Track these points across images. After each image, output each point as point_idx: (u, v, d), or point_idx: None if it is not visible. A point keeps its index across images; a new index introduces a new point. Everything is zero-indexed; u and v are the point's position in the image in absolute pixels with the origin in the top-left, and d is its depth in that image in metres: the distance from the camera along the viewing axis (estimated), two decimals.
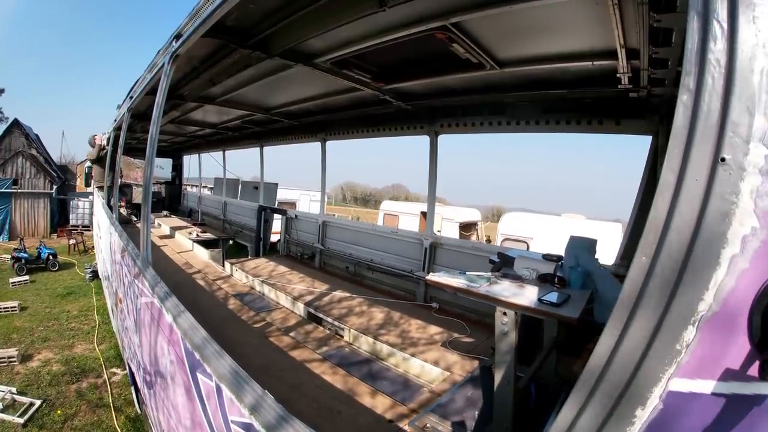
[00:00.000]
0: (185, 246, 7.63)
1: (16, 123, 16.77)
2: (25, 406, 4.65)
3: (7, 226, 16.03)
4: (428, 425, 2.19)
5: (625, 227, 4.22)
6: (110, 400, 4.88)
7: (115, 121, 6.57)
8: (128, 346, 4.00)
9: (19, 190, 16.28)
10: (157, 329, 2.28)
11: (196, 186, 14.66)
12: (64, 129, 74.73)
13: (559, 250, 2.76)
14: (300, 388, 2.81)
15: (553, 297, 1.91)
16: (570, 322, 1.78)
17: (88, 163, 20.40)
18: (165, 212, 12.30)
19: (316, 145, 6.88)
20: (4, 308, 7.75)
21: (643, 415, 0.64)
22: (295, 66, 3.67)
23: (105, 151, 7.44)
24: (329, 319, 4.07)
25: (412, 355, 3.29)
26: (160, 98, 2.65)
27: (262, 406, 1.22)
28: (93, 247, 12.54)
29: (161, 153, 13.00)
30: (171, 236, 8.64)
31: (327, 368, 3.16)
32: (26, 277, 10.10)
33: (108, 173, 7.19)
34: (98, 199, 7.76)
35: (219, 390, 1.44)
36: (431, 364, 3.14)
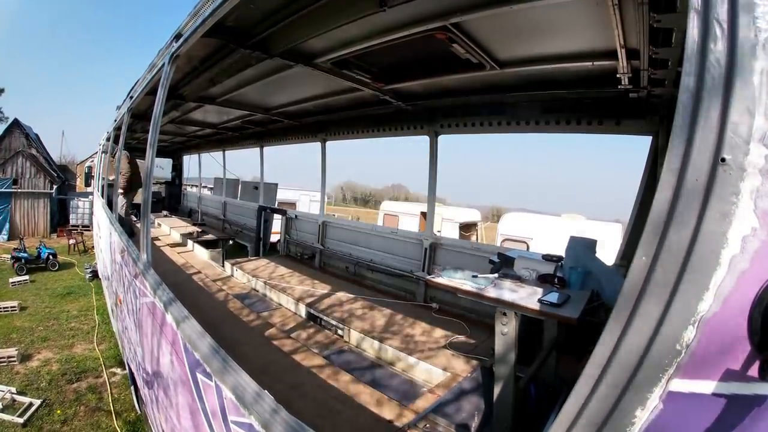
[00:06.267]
0: (185, 246, 7.63)
1: (16, 123, 16.79)
2: (25, 406, 4.65)
3: (7, 226, 16.03)
4: (428, 425, 2.19)
5: (625, 227, 4.21)
6: (110, 401, 4.88)
7: (115, 121, 6.57)
8: (128, 346, 4.00)
9: (19, 190, 16.28)
10: (160, 332, 2.27)
11: (196, 186, 14.66)
12: (64, 129, 74.77)
13: (559, 250, 2.76)
14: (300, 388, 2.81)
15: (553, 297, 1.91)
16: (570, 323, 1.78)
17: (89, 162, 20.41)
18: (165, 212, 12.31)
19: (316, 145, 6.88)
20: (4, 308, 7.75)
21: (643, 416, 0.64)
22: (296, 66, 3.67)
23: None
24: (329, 320, 4.07)
25: (412, 355, 3.29)
26: (160, 98, 2.65)
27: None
28: (93, 247, 12.54)
29: (161, 153, 13.01)
30: (171, 236, 8.64)
31: (327, 368, 3.16)
32: (26, 277, 10.10)
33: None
34: (98, 200, 7.75)
35: (221, 393, 1.43)
36: (431, 365, 3.14)
